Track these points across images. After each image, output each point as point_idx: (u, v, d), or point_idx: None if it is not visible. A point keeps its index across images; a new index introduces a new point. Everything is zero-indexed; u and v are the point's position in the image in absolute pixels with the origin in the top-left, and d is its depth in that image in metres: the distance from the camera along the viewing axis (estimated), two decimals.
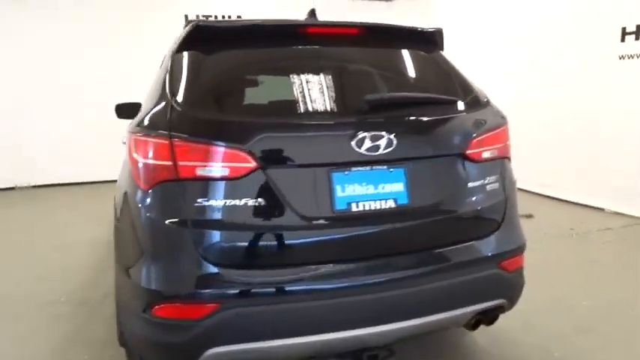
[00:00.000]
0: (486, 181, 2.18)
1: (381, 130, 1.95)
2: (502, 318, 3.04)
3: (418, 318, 2.02)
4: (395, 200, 2.00)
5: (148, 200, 1.88)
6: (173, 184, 1.84)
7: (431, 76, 2.42)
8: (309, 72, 2.10)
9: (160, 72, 2.28)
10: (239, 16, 8.69)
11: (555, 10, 6.38)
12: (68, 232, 5.45)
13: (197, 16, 8.46)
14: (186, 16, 8.36)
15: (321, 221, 1.92)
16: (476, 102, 2.31)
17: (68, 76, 7.94)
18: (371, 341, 2.02)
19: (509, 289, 2.25)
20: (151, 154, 1.88)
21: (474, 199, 2.15)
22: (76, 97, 7.94)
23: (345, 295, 1.92)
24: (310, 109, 2.02)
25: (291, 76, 2.08)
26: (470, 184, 2.14)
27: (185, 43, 2.14)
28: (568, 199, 6.21)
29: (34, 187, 8.04)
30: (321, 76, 2.11)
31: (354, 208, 1.94)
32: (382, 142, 1.94)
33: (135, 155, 1.96)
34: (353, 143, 1.91)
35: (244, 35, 2.18)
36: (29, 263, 4.40)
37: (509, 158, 2.34)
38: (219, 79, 2.10)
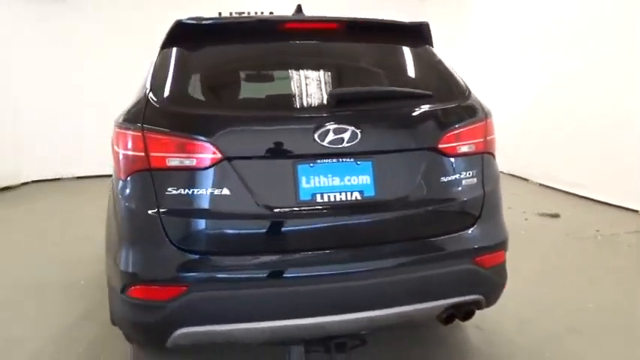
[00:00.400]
0: (461, 176, 2.17)
1: (345, 124, 1.98)
2: (498, 317, 3.05)
3: (383, 309, 2.04)
4: (361, 192, 2.03)
5: (125, 189, 2.00)
6: (146, 174, 1.95)
7: (411, 70, 2.42)
8: (282, 67, 2.16)
9: (147, 68, 2.40)
10: (271, 13, 8.82)
11: (589, 5, 6.14)
12: (98, 223, 5.73)
13: (230, 13, 8.65)
14: (219, 13, 8.55)
15: (285, 211, 1.97)
16: (454, 96, 2.29)
17: (115, 74, 8.26)
18: (334, 330, 2.06)
19: (485, 285, 2.23)
20: (127, 146, 2.00)
21: (446, 193, 2.14)
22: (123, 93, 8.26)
23: (308, 284, 1.97)
24: (278, 102, 2.08)
25: (264, 70, 2.15)
26: (443, 179, 2.13)
27: (168, 40, 2.24)
28: (601, 200, 5.95)
29: (78, 178, 8.48)
30: (295, 70, 2.17)
31: (318, 199, 1.98)
32: (346, 135, 1.97)
33: (115, 147, 2.08)
34: (316, 136, 1.95)
35: (222, 31, 2.26)
36: (57, 250, 4.68)
37: (491, 154, 2.31)
38: (194, 75, 2.19)
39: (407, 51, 2.44)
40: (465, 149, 2.18)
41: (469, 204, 2.20)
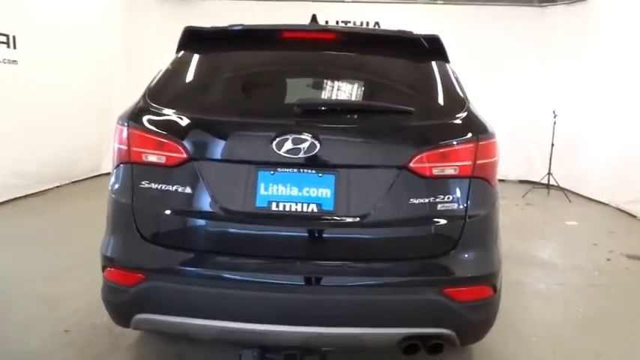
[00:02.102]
0: (436, 200, 2.02)
1: (305, 134, 1.96)
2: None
3: (329, 327, 1.99)
4: (319, 205, 1.99)
5: (112, 179, 2.21)
6: (128, 167, 2.13)
7: (404, 84, 2.31)
8: (264, 75, 2.21)
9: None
10: (377, 22, 8.84)
11: None
12: None
13: (337, 22, 8.84)
14: (326, 22, 8.79)
15: (241, 215, 2.02)
16: (443, 115, 2.14)
17: None
18: (279, 340, 2.04)
19: (456, 320, 2.04)
20: (117, 140, 2.20)
21: (414, 216, 2.01)
22: None
23: (253, 290, 1.99)
24: (248, 109, 2.13)
25: (246, 77, 2.22)
26: (412, 200, 2.00)
27: (179, 46, 2.42)
28: None
29: None
30: (280, 79, 2.20)
31: (273, 207, 1.99)
32: (304, 146, 1.96)
33: (114, 142, 2.30)
34: (274, 144, 1.96)
35: (221, 39, 2.37)
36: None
37: (484, 179, 2.11)
38: (183, 78, 2.32)
39: (406, 64, 2.34)
40: (443, 171, 2.03)
41: (443, 230, 2.04)
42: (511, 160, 8.95)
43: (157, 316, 2.08)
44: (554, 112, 7.50)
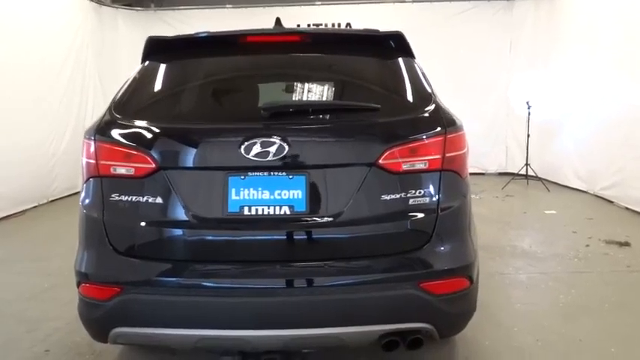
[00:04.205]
0: (408, 195, 2.03)
1: (272, 137, 1.96)
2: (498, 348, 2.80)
3: (309, 329, 1.98)
4: (291, 207, 1.99)
5: (82, 194, 2.18)
6: (97, 181, 2.11)
7: (370, 82, 2.33)
8: (229, 80, 2.21)
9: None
10: (348, 24, 8.89)
11: None
12: None
13: (308, 25, 8.86)
14: (298, 26, 8.81)
15: (213, 222, 2.01)
16: (410, 110, 2.16)
17: None
18: (259, 345, 2.03)
19: (434, 314, 2.05)
20: (85, 154, 2.17)
21: (387, 212, 2.02)
22: None
23: (231, 296, 1.98)
24: (216, 115, 2.12)
25: (211, 84, 2.21)
26: (384, 197, 2.01)
27: (143, 56, 2.41)
28: None
29: None
30: (239, 84, 2.20)
31: (245, 212, 1.99)
32: (272, 149, 1.95)
33: (82, 156, 2.27)
34: (242, 149, 1.96)
35: (184, 47, 2.37)
36: None
37: (454, 171, 2.13)
38: (148, 89, 2.31)
39: (372, 62, 2.36)
40: (413, 166, 2.04)
41: (416, 225, 2.05)
42: (490, 153, 9.11)
43: (135, 329, 2.06)
44: (527, 103, 7.62)
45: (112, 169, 2.08)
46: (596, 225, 5.47)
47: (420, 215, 2.05)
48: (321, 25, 8.88)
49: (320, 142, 2.08)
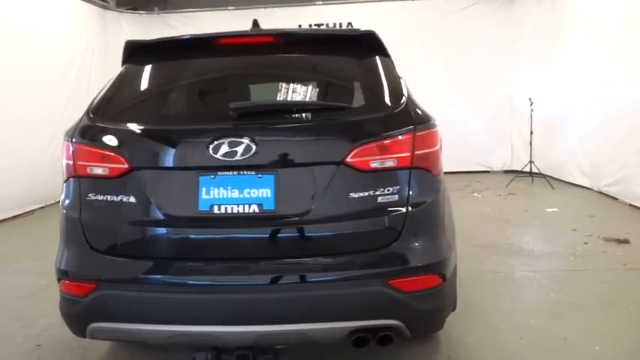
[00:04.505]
0: (376, 193, 2.04)
1: (239, 137, 1.99)
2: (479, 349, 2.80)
3: (277, 325, 2.01)
4: (260, 206, 2.02)
5: (62, 194, 2.24)
6: (74, 180, 2.17)
7: (341, 81, 2.35)
8: (202, 82, 2.25)
9: None
10: (349, 23, 8.90)
11: None
12: None
13: (310, 25, 8.90)
14: (299, 26, 8.85)
15: (185, 221, 2.05)
16: (379, 108, 2.17)
17: None
18: (229, 341, 2.07)
19: (404, 311, 2.06)
20: (64, 155, 2.23)
21: (355, 210, 2.04)
22: None
23: (201, 292, 2.02)
24: (187, 117, 2.17)
25: (185, 86, 2.26)
26: (352, 195, 2.03)
27: (122, 60, 2.46)
28: None
29: None
30: (212, 86, 2.24)
31: (215, 210, 2.02)
32: (239, 149, 1.98)
33: (62, 158, 2.33)
34: (210, 149, 1.99)
35: (161, 50, 2.40)
36: None
37: (424, 169, 2.14)
38: (124, 91, 2.35)
39: (343, 61, 2.38)
40: (381, 164, 2.06)
41: (384, 222, 2.07)
42: (495, 151, 9.06)
43: (110, 324, 2.10)
44: (530, 99, 7.55)
45: (88, 170, 2.13)
46: (597, 222, 5.42)
47: (389, 213, 2.06)
48: (322, 25, 8.91)
49: (288, 142, 2.10)
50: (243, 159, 1.99)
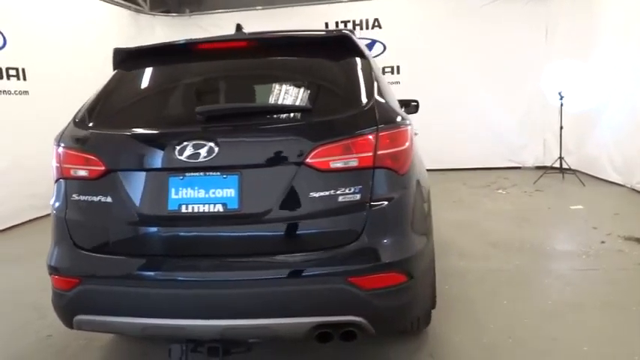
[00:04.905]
0: (337, 192, 2.09)
1: (203, 140, 2.09)
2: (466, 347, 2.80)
3: (242, 319, 2.10)
4: (224, 205, 2.12)
5: (53, 195, 2.42)
6: (61, 182, 2.35)
7: (308, 83, 2.41)
8: (178, 87, 2.38)
9: None
10: (376, 19, 8.86)
11: None
12: None
13: (336, 23, 8.93)
14: (326, 24, 8.91)
15: (156, 219, 2.18)
16: (342, 109, 2.21)
17: None
18: (197, 334, 2.17)
19: (365, 308, 2.11)
20: (54, 158, 2.41)
21: (315, 209, 2.10)
22: None
23: (170, 287, 2.14)
24: (159, 121, 2.30)
25: (162, 91, 2.40)
26: (312, 194, 2.09)
27: (113, 67, 2.62)
28: None
29: None
30: (187, 90, 2.35)
31: (183, 210, 2.14)
32: (203, 151, 2.09)
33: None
34: (176, 151, 2.11)
35: (141, 57, 2.54)
36: None
37: (388, 168, 2.17)
38: (107, 97, 2.48)
39: (314, 63, 2.44)
40: (342, 164, 2.10)
41: (346, 221, 2.11)
42: (526, 146, 8.80)
43: (92, 317, 2.26)
44: (559, 93, 7.29)
45: (72, 172, 2.30)
46: (621, 221, 5.21)
47: (350, 212, 2.10)
48: (349, 22, 8.92)
49: (250, 143, 2.19)
50: (206, 160, 2.09)
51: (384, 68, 8.93)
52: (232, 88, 2.50)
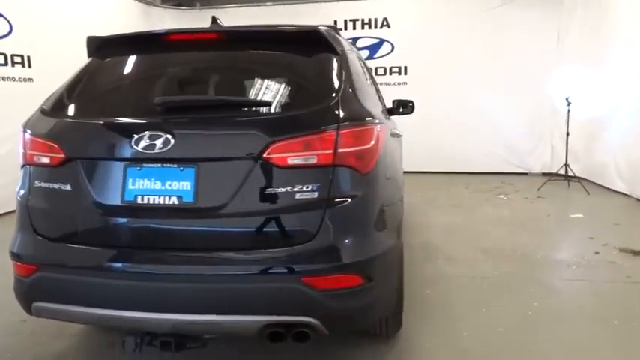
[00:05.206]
0: (293, 189, 2.05)
1: (159, 131, 2.07)
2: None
3: (191, 315, 2.08)
4: (179, 198, 2.09)
5: (19, 181, 2.42)
6: (26, 168, 2.35)
7: (274, 78, 2.37)
8: (143, 78, 2.36)
9: None
10: (385, 19, 8.78)
11: None
12: None
13: (345, 22, 8.88)
14: (335, 22, 8.85)
15: (112, 209, 2.16)
16: (307, 106, 2.17)
17: None
18: (149, 326, 2.15)
19: (319, 309, 2.06)
20: (20, 145, 2.41)
21: (271, 206, 2.06)
22: None
23: (124, 279, 2.12)
24: (120, 110, 2.28)
25: (127, 81, 2.38)
26: (268, 190, 2.06)
27: (87, 55, 2.61)
28: None
29: None
30: (152, 81, 2.34)
31: (139, 201, 2.12)
32: (158, 142, 2.07)
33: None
34: (133, 142, 2.09)
35: (112, 46, 2.52)
36: None
37: (350, 167, 2.12)
38: (73, 86, 2.47)
39: (282, 58, 2.41)
40: (299, 161, 2.06)
41: (302, 219, 2.07)
42: (533, 152, 8.65)
43: (49, 304, 2.25)
44: (567, 99, 7.13)
45: (35, 159, 2.29)
46: (619, 231, 5.08)
47: (306, 210, 2.06)
48: (358, 20, 8.86)
49: (208, 136, 2.16)
50: (161, 152, 2.07)
51: (391, 68, 8.87)
52: (198, 81, 2.48)
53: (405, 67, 8.81)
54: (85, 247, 2.20)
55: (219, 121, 2.16)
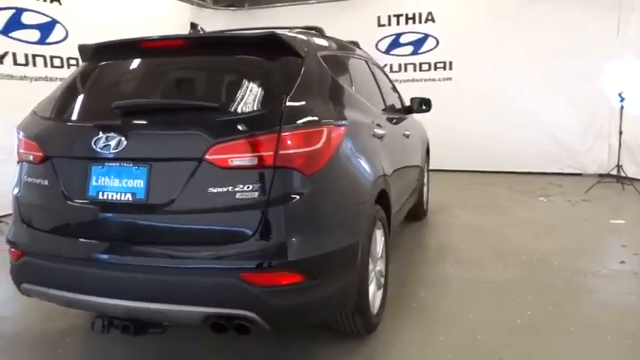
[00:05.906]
0: (235, 189, 2.15)
1: (114, 132, 2.25)
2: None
3: (139, 302, 2.24)
4: (133, 195, 2.26)
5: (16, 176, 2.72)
6: (19, 165, 2.64)
7: (224, 82, 2.50)
8: (113, 82, 2.56)
9: None
10: (429, 13, 8.58)
11: None
12: None
13: (388, 17, 8.78)
14: (378, 18, 8.80)
15: (78, 204, 2.37)
16: (252, 109, 2.25)
17: None
18: (108, 311, 2.35)
19: (258, 304, 2.15)
20: (16, 143, 2.70)
21: (212, 205, 2.17)
22: None
23: (86, 266, 2.33)
24: (87, 113, 2.53)
25: (99, 85, 2.61)
26: (210, 190, 2.16)
27: (82, 60, 2.86)
28: None
29: None
30: (120, 85, 2.53)
31: (100, 196, 2.31)
32: (113, 143, 2.26)
33: None
34: (92, 142, 2.29)
35: (99, 52, 2.74)
36: None
37: (290, 168, 2.18)
38: (61, 90, 2.71)
39: (239, 63, 2.51)
40: (240, 162, 2.15)
41: (242, 218, 2.16)
42: (589, 152, 8.13)
43: (32, 286, 2.52)
44: (620, 94, 6.62)
45: (25, 157, 2.58)
46: None
47: (246, 209, 2.15)
48: (402, 15, 8.73)
49: (159, 137, 2.32)
50: (116, 152, 2.26)
51: (435, 64, 8.67)
52: (158, 85, 2.63)
53: (450, 63, 8.57)
54: (56, 236, 2.44)
55: (168, 123, 2.31)
